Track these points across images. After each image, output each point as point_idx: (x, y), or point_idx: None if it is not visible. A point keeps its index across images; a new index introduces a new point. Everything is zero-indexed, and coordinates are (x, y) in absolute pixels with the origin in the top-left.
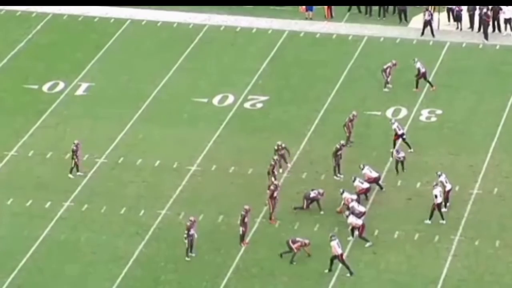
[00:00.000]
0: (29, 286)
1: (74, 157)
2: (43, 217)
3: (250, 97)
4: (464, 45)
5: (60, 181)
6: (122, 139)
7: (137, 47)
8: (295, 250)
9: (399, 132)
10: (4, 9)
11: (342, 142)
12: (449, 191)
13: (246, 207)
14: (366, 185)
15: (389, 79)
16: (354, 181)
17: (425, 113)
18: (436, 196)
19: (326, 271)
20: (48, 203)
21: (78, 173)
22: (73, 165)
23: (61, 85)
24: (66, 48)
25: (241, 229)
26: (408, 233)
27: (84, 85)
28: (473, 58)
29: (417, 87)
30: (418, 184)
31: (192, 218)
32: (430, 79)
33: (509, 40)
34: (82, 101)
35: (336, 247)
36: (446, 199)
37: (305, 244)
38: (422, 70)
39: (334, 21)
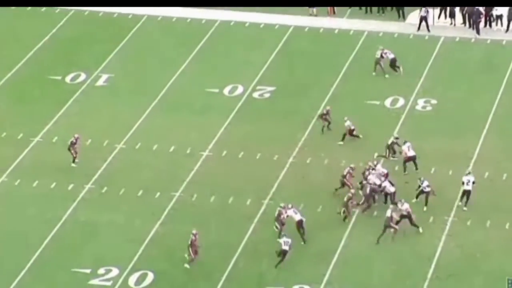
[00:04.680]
0: (52, 265)
1: (71, 148)
2: (66, 198)
3: (258, 87)
4: (457, 39)
5: (82, 165)
6: (139, 126)
7: (153, 41)
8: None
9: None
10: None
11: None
12: (428, 192)
13: (282, 204)
14: (412, 152)
15: (383, 65)
16: (404, 144)
17: (421, 102)
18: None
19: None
20: (71, 186)
21: (73, 165)
22: (75, 155)
23: (83, 76)
24: (87, 42)
25: (276, 224)
26: None
27: (104, 76)
28: (466, 51)
29: (395, 70)
30: (414, 168)
31: (194, 232)
32: (425, 71)
33: (499, 35)
34: (102, 91)
35: (293, 215)
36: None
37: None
38: (391, 56)
39: (337, 17)
